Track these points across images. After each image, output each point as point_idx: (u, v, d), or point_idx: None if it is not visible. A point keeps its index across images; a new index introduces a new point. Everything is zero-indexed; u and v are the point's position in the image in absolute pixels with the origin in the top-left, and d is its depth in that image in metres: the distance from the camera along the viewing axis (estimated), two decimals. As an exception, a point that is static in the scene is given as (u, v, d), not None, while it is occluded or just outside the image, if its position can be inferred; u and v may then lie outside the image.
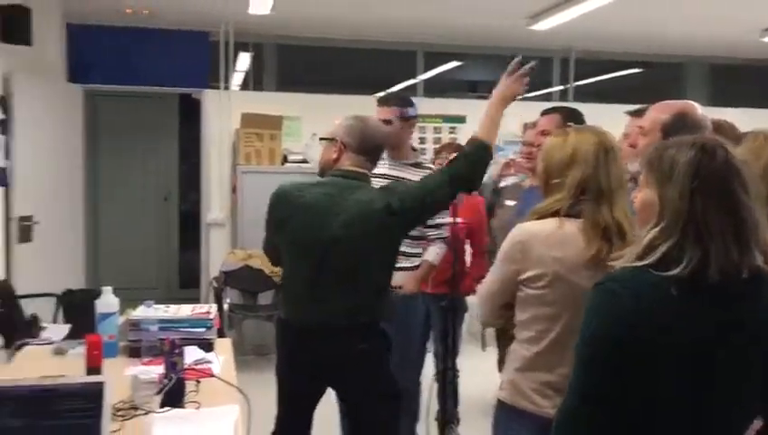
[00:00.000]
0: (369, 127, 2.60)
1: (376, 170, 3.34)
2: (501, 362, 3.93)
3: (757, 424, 1.50)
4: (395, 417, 2.67)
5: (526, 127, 3.83)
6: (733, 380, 1.37)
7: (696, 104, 2.42)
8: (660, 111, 2.35)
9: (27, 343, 3.21)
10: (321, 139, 2.71)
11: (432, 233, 3.40)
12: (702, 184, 1.35)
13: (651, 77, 7.93)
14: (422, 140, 6.43)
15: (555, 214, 1.90)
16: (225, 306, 5.31)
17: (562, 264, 1.85)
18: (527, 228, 1.93)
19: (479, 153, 2.51)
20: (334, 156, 2.57)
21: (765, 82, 7.77)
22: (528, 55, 2.62)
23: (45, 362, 2.67)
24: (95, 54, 6.16)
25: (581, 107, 3.34)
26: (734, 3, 5.24)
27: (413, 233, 3.29)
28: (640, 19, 5.79)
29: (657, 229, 1.38)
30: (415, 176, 3.32)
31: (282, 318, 2.66)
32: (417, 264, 3.35)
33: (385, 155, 3.35)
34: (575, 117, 2.99)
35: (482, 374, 4.27)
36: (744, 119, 2.91)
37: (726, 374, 1.36)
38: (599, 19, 5.48)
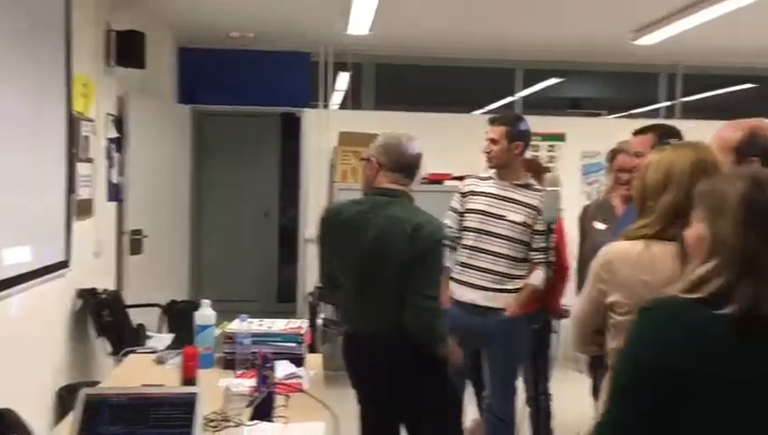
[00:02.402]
0: (401, 145, 2.66)
1: (480, 189, 3.33)
2: (595, 390, 3.78)
3: None
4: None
5: (615, 153, 3.41)
6: None
7: None
8: (731, 130, 2.21)
9: (133, 351, 3.38)
10: (361, 159, 2.85)
11: (537, 257, 3.31)
12: (754, 219, 1.28)
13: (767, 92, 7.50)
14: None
15: (644, 238, 1.82)
16: (319, 321, 5.39)
17: (650, 288, 1.74)
18: (615, 248, 1.86)
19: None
20: (372, 174, 2.66)
21: None
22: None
23: (147, 370, 2.77)
24: (202, 76, 6.47)
25: (689, 123, 3.17)
26: None
27: (517, 255, 3.24)
28: (753, 33, 5.49)
29: (708, 265, 1.30)
30: (524, 197, 3.26)
31: (344, 330, 2.82)
32: (519, 286, 3.29)
33: (493, 173, 3.33)
34: (672, 134, 2.74)
35: (578, 399, 4.13)
36: None
37: None
38: (708, 33, 5.22)
